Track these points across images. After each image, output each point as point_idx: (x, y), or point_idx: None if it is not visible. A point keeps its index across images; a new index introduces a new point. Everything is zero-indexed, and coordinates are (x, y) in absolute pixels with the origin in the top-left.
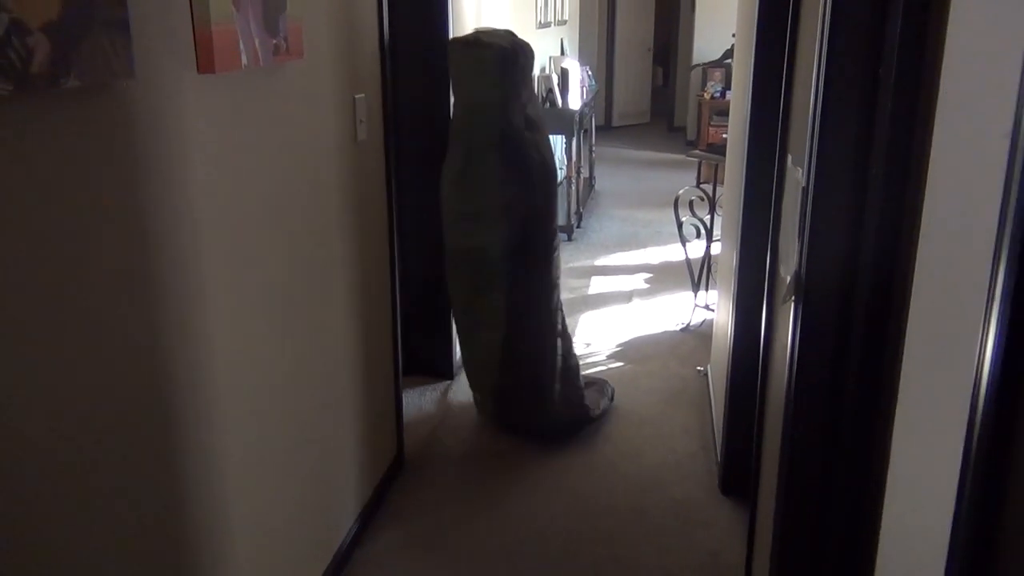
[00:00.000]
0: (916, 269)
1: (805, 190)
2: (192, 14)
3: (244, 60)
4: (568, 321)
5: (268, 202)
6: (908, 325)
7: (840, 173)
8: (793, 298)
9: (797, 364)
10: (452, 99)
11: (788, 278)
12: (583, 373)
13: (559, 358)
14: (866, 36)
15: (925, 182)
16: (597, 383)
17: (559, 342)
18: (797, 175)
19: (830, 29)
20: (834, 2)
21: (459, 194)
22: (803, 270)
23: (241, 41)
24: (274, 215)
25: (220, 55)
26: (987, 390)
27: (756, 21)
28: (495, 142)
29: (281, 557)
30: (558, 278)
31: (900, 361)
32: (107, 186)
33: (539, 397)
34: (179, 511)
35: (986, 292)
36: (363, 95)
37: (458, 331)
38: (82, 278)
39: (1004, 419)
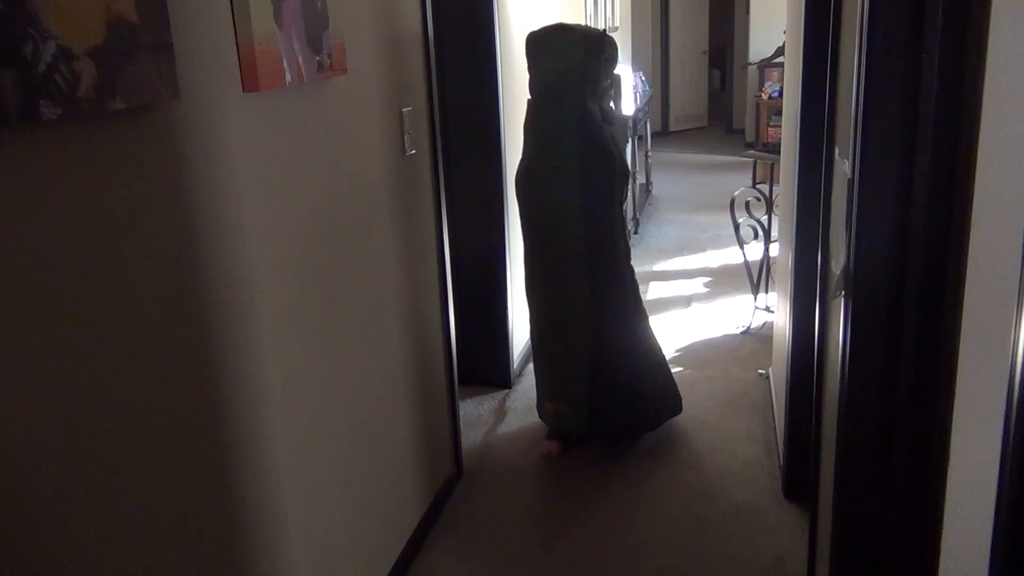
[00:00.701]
0: (968, 257)
1: (851, 182)
2: (236, 35)
3: (288, 78)
4: None
5: (317, 216)
6: (963, 316)
7: (885, 162)
8: (843, 292)
9: (849, 360)
10: (528, 96)
11: (838, 272)
12: None
13: (650, 351)
14: (907, 17)
15: (975, 167)
16: None
17: (648, 334)
18: (844, 167)
19: (870, 12)
20: None
21: (534, 190)
22: (851, 263)
23: (284, 59)
24: (324, 229)
25: (264, 73)
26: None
27: (803, 14)
28: (572, 130)
29: (339, 570)
30: (633, 271)
31: (956, 354)
32: (156, 205)
33: (636, 396)
34: (236, 525)
35: None
36: (410, 108)
37: (538, 339)
38: (133, 298)
39: None
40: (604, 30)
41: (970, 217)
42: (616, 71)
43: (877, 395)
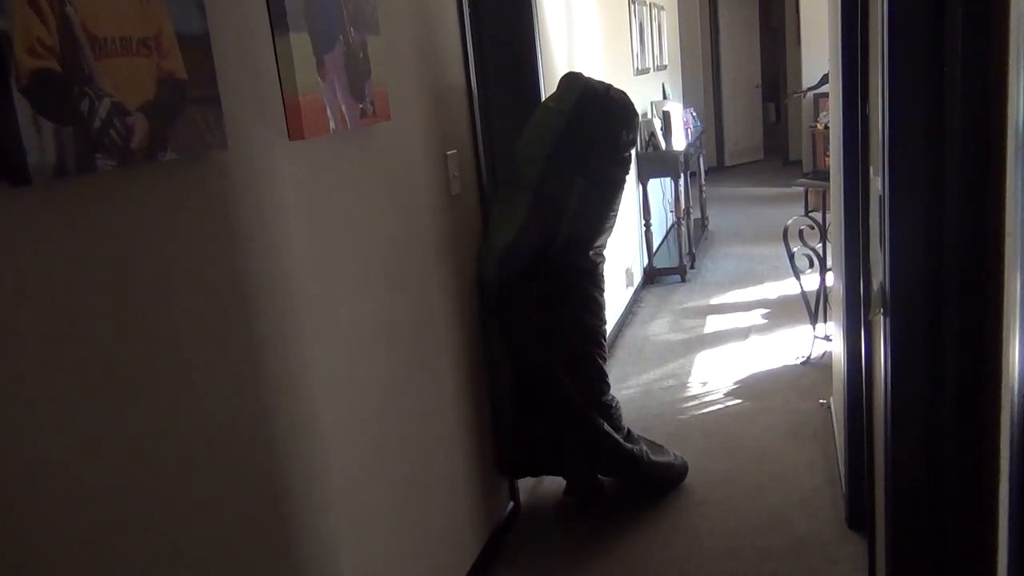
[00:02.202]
0: (1005, 269)
1: (882, 199)
2: (281, 87)
3: (332, 125)
4: (683, 362)
5: (366, 256)
6: (1004, 328)
7: (915, 176)
8: (882, 310)
9: (892, 379)
10: None
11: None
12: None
13: (578, 400)
14: (927, 32)
15: (1004, 177)
16: (661, 447)
17: (575, 382)
18: (877, 185)
19: (890, 25)
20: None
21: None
22: (888, 280)
23: (328, 108)
24: (372, 268)
25: (309, 122)
26: None
27: (839, 39)
28: (531, 185)
29: None
30: (588, 321)
31: (1000, 368)
32: (207, 248)
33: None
34: (290, 562)
35: None
36: (455, 151)
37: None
38: (186, 339)
39: None
40: (608, 86)
41: (1004, 227)
42: (666, 108)
43: (922, 413)
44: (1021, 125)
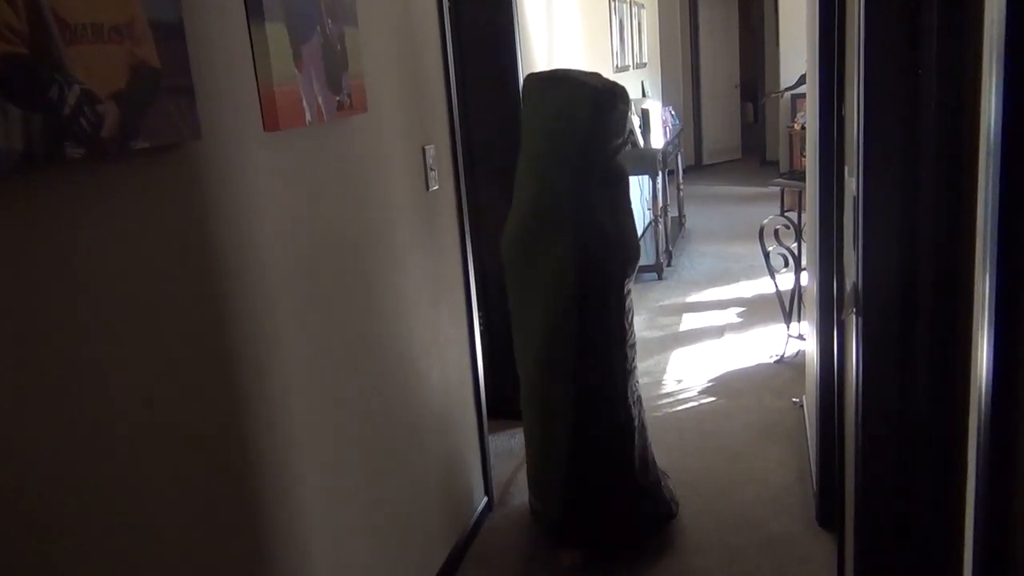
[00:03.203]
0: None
1: (856, 199)
2: (256, 77)
3: (308, 117)
4: (658, 359)
5: (340, 252)
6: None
7: (889, 176)
8: (854, 310)
9: (863, 378)
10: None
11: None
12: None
13: (637, 450)
14: (902, 34)
15: (977, 177)
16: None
17: (636, 433)
18: (852, 186)
19: (866, 27)
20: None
21: (521, 268)
22: (860, 280)
23: (304, 99)
24: (347, 264)
25: (284, 113)
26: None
27: (817, 40)
28: (567, 210)
29: None
30: (633, 360)
31: (970, 370)
32: (178, 241)
33: (621, 502)
34: (262, 556)
35: None
36: (432, 145)
37: (524, 423)
38: (156, 330)
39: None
40: (614, 83)
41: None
42: (645, 106)
43: (893, 413)
44: (993, 129)
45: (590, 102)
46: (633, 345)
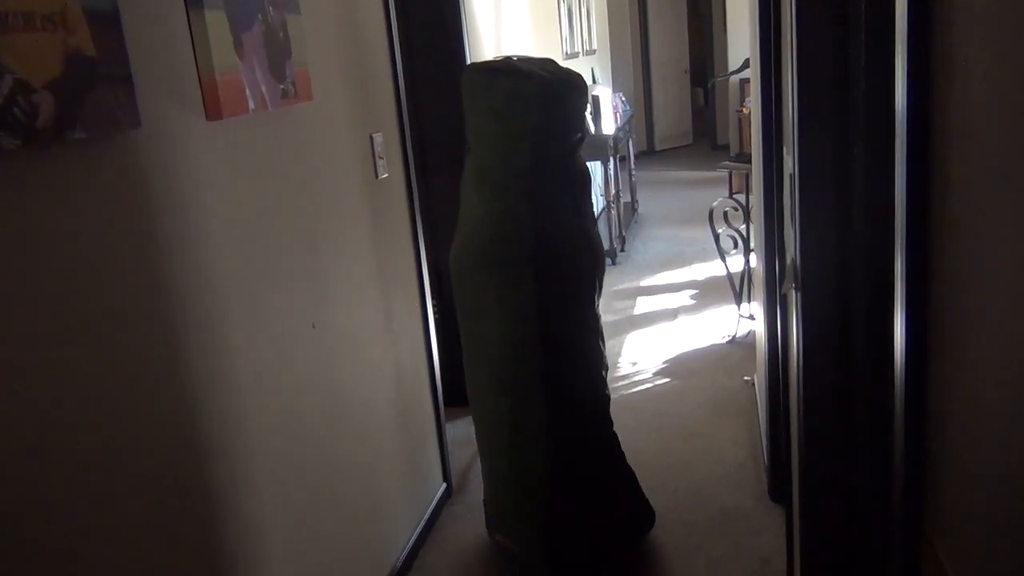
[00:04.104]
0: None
1: (792, 176)
2: (197, 66)
3: (251, 105)
4: (613, 343)
5: (288, 240)
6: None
7: (823, 152)
8: (793, 286)
9: (803, 353)
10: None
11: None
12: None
13: (618, 468)
14: (832, 12)
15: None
16: None
17: (614, 445)
18: (789, 164)
19: (798, 6)
20: None
21: (471, 295)
22: (798, 256)
23: (247, 88)
24: (295, 253)
25: (227, 102)
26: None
27: (757, 24)
28: (525, 223)
29: None
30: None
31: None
32: (119, 233)
33: (605, 525)
34: (219, 545)
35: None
36: (380, 133)
37: (484, 456)
38: (97, 326)
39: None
40: (568, 71)
41: None
42: (595, 93)
43: (832, 385)
44: (904, 114)
45: (539, 96)
46: (607, 367)
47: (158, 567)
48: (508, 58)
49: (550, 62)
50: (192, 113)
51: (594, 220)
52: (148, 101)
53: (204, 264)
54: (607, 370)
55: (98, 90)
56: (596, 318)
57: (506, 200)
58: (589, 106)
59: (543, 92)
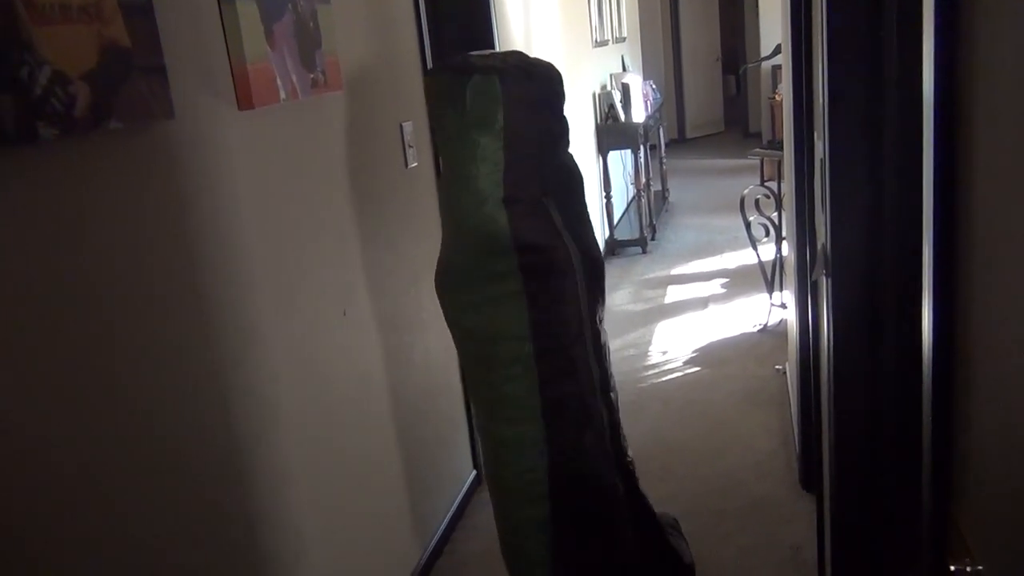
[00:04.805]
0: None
1: (823, 162)
2: (229, 56)
3: (282, 95)
4: (643, 332)
5: (320, 229)
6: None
7: (853, 137)
8: (824, 272)
9: (834, 340)
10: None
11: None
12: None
13: (643, 519)
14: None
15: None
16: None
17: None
18: (820, 149)
19: None
20: None
21: (457, 312)
22: (829, 243)
23: (278, 77)
24: (327, 242)
25: (258, 92)
26: None
27: (789, 8)
28: (501, 229)
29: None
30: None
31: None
32: (153, 221)
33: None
34: (255, 541)
35: None
36: (410, 122)
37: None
38: (136, 314)
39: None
40: (536, 60)
41: None
42: (625, 80)
43: (863, 372)
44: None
45: (501, 92)
46: (615, 392)
47: (200, 559)
48: (467, 55)
49: (516, 54)
50: (224, 103)
51: (589, 222)
52: (181, 91)
53: (237, 251)
54: (615, 391)
55: (133, 81)
56: (597, 335)
57: (483, 211)
58: (619, 93)
59: (508, 86)
